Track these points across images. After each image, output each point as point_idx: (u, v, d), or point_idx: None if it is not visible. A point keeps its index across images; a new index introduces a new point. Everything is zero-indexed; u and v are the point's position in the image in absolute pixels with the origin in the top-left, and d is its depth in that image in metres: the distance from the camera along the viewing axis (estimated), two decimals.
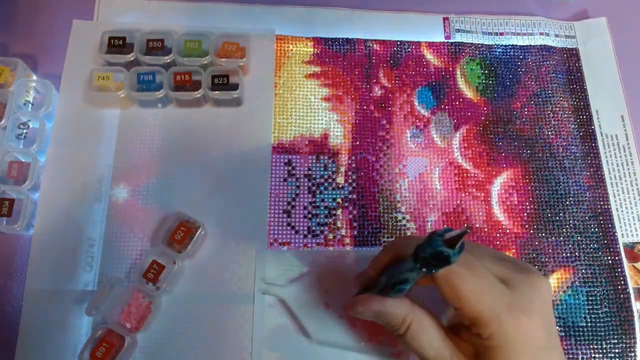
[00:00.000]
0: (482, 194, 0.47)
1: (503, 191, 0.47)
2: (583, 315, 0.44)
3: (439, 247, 0.26)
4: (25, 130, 0.44)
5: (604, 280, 0.45)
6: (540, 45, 0.53)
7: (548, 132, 0.49)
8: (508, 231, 0.46)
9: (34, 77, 0.47)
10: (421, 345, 0.32)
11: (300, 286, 0.42)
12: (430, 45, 0.52)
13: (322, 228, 0.45)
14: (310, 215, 0.45)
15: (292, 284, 0.42)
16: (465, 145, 0.48)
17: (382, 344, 0.40)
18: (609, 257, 0.45)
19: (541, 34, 0.53)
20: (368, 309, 0.32)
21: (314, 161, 0.47)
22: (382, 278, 0.33)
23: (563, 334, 0.43)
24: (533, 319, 0.30)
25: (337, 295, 0.41)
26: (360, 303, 0.33)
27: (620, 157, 0.49)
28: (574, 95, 0.51)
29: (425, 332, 0.32)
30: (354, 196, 0.46)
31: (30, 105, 0.45)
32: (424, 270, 0.28)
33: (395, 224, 0.45)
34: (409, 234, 0.45)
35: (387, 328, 0.33)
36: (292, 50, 0.50)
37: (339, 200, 0.46)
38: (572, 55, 0.53)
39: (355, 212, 0.45)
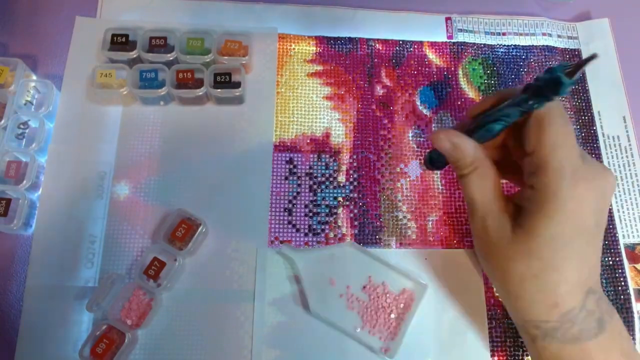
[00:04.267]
0: None
1: (505, 191, 0.47)
2: None
3: (558, 73, 0.28)
4: (25, 130, 0.44)
5: (604, 281, 0.44)
6: (543, 45, 0.53)
7: None
8: None
9: (34, 77, 0.47)
10: (476, 191, 0.34)
11: (312, 256, 0.42)
12: (433, 45, 0.52)
13: (323, 226, 0.45)
14: (311, 214, 0.45)
15: (306, 252, 0.43)
16: None
17: (374, 335, 0.41)
18: (610, 258, 0.45)
19: (544, 34, 0.53)
20: (448, 138, 0.34)
21: (316, 160, 0.47)
22: (477, 118, 0.34)
23: None
24: (588, 195, 0.31)
25: (345, 275, 0.42)
26: (444, 131, 0.34)
27: (622, 158, 0.49)
28: (575, 96, 0.51)
29: (485, 181, 0.34)
30: (355, 195, 0.46)
31: (31, 105, 0.45)
32: (529, 102, 0.30)
33: (396, 223, 0.45)
34: (410, 233, 0.45)
35: (454, 166, 0.35)
36: (294, 48, 0.50)
37: (340, 198, 0.46)
38: (574, 56, 0.53)
39: (356, 210, 0.45)
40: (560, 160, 0.31)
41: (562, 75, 0.28)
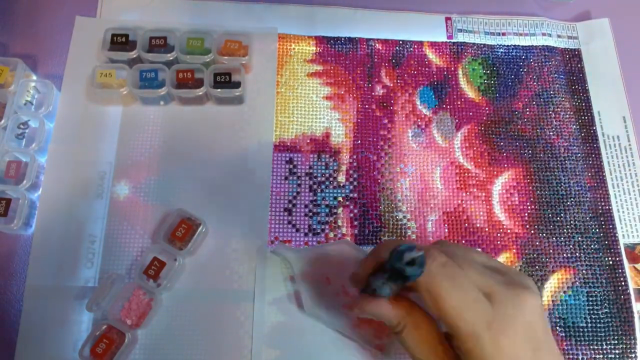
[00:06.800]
0: (483, 194, 0.47)
1: (504, 191, 0.47)
2: (583, 316, 0.44)
3: (397, 264, 0.28)
4: (25, 130, 0.44)
5: (604, 280, 0.45)
6: (543, 45, 0.53)
7: (550, 132, 0.49)
8: (509, 231, 0.46)
9: (34, 77, 0.47)
10: (412, 347, 0.32)
11: (307, 255, 0.42)
12: (433, 45, 0.52)
13: (323, 226, 0.45)
14: (311, 214, 0.45)
15: (300, 251, 0.43)
16: (467, 145, 0.48)
17: (369, 333, 0.41)
18: (610, 258, 0.45)
19: (543, 34, 0.53)
20: (363, 311, 0.33)
21: (316, 160, 0.47)
22: (370, 279, 0.33)
23: (563, 334, 0.43)
24: (514, 339, 0.29)
25: (340, 274, 0.42)
26: (357, 306, 0.33)
27: (622, 158, 0.49)
28: (575, 96, 0.51)
29: (419, 336, 0.32)
30: (355, 195, 0.46)
31: (31, 105, 0.45)
32: (398, 281, 0.30)
33: (396, 223, 0.45)
34: (409, 233, 0.45)
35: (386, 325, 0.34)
36: (294, 48, 0.50)
37: (340, 198, 0.46)
38: (574, 56, 0.53)
39: (356, 210, 0.45)
40: (470, 325, 0.29)
41: (403, 267, 0.27)
